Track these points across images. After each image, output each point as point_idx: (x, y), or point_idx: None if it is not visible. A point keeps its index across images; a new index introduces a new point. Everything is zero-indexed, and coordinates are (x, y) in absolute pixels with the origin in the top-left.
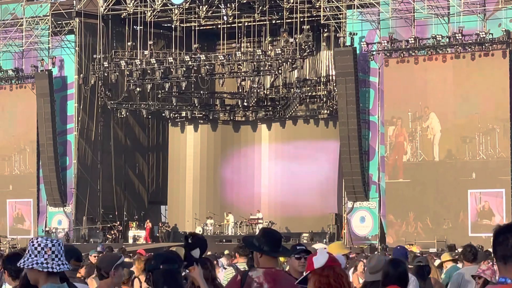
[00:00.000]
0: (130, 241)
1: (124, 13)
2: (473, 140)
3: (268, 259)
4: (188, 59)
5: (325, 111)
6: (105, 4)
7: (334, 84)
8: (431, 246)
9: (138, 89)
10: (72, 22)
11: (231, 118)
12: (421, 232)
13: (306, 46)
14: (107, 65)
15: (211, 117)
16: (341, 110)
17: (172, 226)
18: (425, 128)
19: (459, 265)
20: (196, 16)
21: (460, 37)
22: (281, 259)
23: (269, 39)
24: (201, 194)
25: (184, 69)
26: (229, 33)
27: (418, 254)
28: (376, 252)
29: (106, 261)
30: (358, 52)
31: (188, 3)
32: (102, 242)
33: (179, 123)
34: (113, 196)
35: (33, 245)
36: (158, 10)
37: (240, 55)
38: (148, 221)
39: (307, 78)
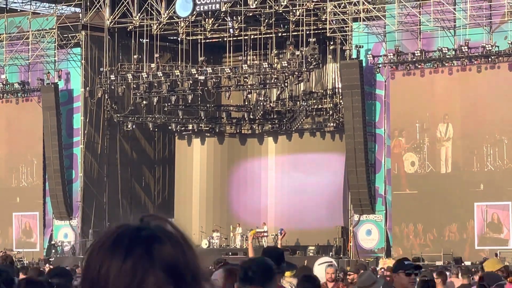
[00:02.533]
0: None
1: (130, 26)
2: (480, 151)
3: None
4: (195, 72)
5: (331, 124)
6: (111, 17)
7: (340, 97)
8: (438, 259)
9: (144, 102)
10: (78, 35)
11: (238, 131)
12: (428, 244)
13: (312, 59)
14: (113, 78)
15: (217, 130)
16: (347, 123)
17: None
18: (432, 140)
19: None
20: (202, 29)
21: (466, 50)
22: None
23: (275, 52)
24: (207, 207)
25: (191, 82)
26: (235, 46)
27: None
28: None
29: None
30: (364, 64)
31: (194, 16)
32: None
33: (185, 136)
34: (119, 209)
35: None
36: (164, 23)
37: (246, 68)
38: None
39: (313, 91)
